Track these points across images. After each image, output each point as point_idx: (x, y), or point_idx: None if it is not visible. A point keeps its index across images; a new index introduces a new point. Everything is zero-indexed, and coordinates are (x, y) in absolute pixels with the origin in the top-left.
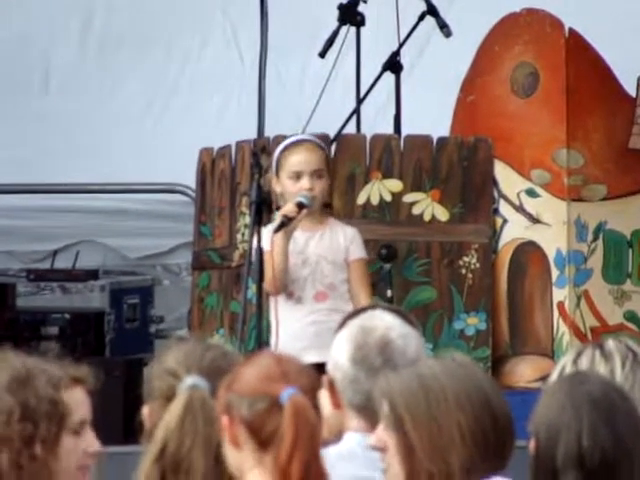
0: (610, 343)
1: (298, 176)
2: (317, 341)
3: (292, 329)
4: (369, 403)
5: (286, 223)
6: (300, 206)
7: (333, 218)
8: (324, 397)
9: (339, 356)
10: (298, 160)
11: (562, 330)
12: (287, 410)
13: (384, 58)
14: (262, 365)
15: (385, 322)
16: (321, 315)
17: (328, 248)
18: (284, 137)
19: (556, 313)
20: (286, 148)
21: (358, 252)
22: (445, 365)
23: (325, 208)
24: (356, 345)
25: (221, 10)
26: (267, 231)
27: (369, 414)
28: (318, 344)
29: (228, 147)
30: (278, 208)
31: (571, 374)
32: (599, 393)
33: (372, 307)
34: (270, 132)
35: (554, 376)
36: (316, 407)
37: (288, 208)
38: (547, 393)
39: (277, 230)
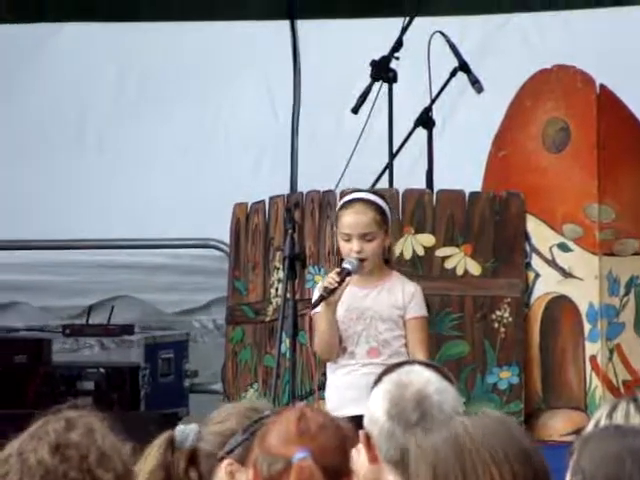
0: None
1: (348, 238)
2: (369, 393)
3: (345, 379)
4: (405, 458)
5: (326, 296)
6: (343, 273)
7: (397, 273)
8: (361, 452)
9: (375, 411)
10: (347, 222)
11: (595, 384)
12: (292, 474)
13: (416, 114)
14: (283, 424)
15: (422, 377)
16: (375, 368)
17: (384, 305)
18: (317, 192)
19: (589, 367)
20: (342, 207)
21: (416, 310)
22: (479, 422)
23: (387, 264)
24: (392, 400)
25: (256, 65)
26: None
27: (405, 469)
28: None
29: (262, 202)
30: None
31: (614, 426)
32: None
33: (409, 362)
34: (303, 187)
35: (589, 430)
36: (339, 464)
37: (329, 279)
38: (594, 444)
39: (315, 305)
